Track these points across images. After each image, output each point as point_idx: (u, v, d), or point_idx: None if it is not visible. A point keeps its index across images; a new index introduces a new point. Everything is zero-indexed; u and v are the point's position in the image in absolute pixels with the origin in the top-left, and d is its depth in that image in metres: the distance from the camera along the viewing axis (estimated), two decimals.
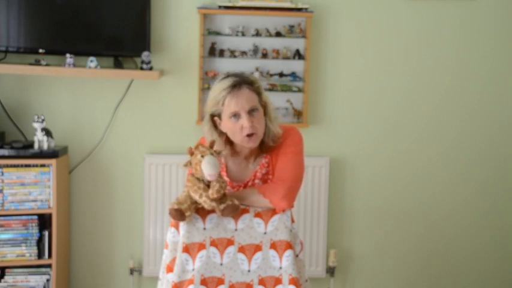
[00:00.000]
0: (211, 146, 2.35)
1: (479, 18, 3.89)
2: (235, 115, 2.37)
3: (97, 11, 3.61)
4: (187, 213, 2.28)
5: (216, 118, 2.44)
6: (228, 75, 2.43)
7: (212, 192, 2.27)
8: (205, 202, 2.29)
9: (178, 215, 2.28)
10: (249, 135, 2.38)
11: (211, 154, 2.30)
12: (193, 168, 2.33)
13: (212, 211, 2.33)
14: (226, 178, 2.49)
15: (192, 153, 2.33)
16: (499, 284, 4.09)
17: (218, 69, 3.78)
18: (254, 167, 2.50)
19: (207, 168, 2.27)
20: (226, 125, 2.41)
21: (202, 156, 2.29)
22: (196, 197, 2.31)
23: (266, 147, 2.47)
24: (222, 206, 2.30)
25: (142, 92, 3.81)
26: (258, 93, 2.42)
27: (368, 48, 3.87)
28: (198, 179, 2.32)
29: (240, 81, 2.38)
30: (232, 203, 2.30)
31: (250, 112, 2.37)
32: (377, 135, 3.93)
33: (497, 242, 4.06)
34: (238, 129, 2.38)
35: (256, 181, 2.48)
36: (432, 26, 3.87)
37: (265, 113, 2.45)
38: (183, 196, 2.33)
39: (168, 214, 2.34)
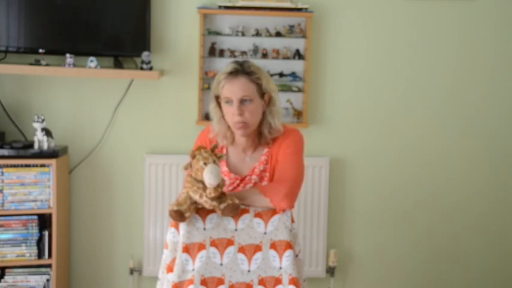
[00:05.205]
0: (213, 150, 2.34)
1: (479, 18, 3.89)
2: (229, 101, 2.44)
3: (97, 11, 3.61)
4: (186, 214, 2.28)
5: (219, 99, 2.50)
6: (234, 61, 2.49)
7: (210, 191, 2.27)
8: (206, 202, 2.29)
9: (178, 216, 2.28)
10: (239, 123, 2.42)
11: (214, 162, 2.30)
12: (193, 172, 2.32)
13: (212, 211, 2.33)
14: (225, 168, 2.52)
15: (194, 157, 2.33)
16: (499, 284, 4.09)
17: (218, 69, 3.77)
18: (253, 162, 2.52)
19: (209, 177, 2.26)
20: (223, 107, 2.48)
21: (205, 163, 2.29)
22: (196, 197, 2.30)
23: (264, 139, 2.49)
24: (222, 206, 2.29)
25: (142, 92, 3.81)
26: (257, 84, 2.45)
27: (368, 48, 3.87)
28: (196, 179, 2.31)
29: (239, 70, 2.44)
30: (232, 202, 2.30)
31: (242, 101, 2.42)
32: (377, 135, 3.93)
33: (497, 242, 4.06)
34: (231, 114, 2.44)
35: (253, 177, 2.50)
36: (432, 26, 3.87)
37: (268, 104, 2.48)
38: (183, 197, 2.32)
39: (168, 215, 2.34)
